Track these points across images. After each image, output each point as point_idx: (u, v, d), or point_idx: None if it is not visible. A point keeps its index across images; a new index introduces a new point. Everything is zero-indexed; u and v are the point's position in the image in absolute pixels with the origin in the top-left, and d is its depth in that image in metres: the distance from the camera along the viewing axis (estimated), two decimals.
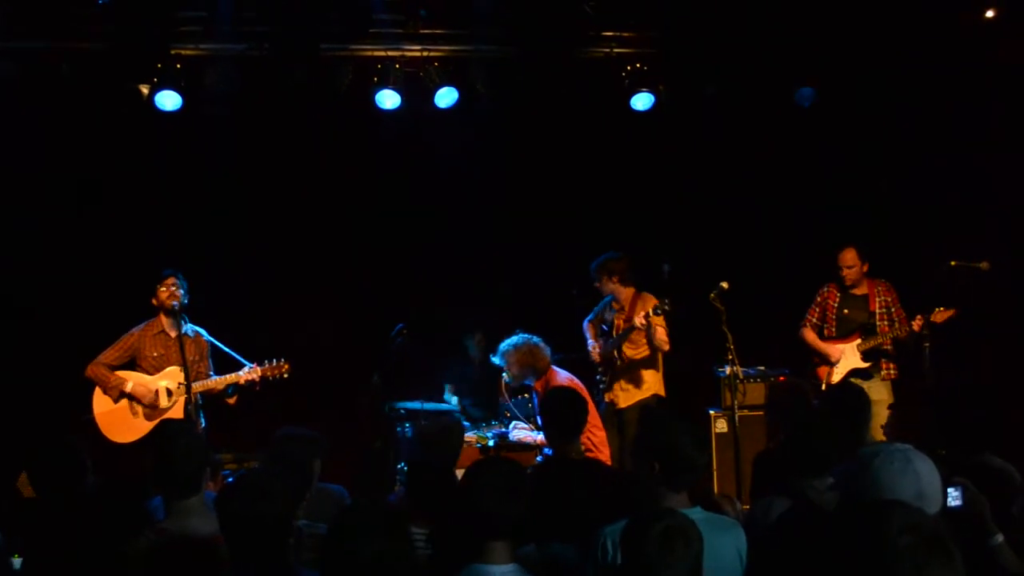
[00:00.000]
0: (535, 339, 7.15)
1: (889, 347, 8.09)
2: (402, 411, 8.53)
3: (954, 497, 3.58)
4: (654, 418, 4.10)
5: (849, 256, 8.10)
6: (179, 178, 8.59)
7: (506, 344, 7.14)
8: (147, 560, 3.89)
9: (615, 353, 7.94)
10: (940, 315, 7.72)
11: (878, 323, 8.08)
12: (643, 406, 7.78)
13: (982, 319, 7.90)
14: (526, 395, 7.98)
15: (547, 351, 7.11)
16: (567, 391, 5.65)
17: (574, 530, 3.94)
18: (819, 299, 8.33)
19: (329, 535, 3.19)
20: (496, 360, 7.25)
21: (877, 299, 8.13)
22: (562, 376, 7.12)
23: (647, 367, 8.00)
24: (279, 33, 8.00)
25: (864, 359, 8.08)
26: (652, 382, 8.02)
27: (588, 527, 3.83)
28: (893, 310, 8.12)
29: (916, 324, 7.75)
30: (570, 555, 3.96)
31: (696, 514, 3.75)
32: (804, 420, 4.59)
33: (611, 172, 9.32)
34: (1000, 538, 3.62)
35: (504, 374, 7.25)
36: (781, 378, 8.75)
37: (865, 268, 8.13)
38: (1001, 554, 3.60)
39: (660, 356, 7.98)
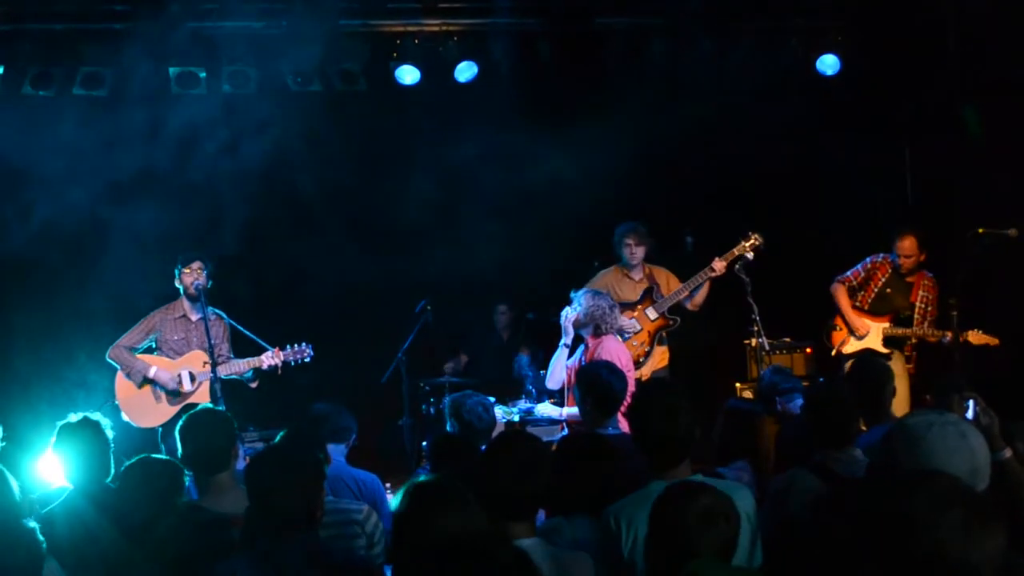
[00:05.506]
0: (614, 303, 6.98)
1: (914, 340, 8.02)
2: (427, 388, 8.54)
3: (967, 410, 3.64)
4: (634, 397, 4.10)
5: (908, 244, 7.90)
6: (199, 159, 8.57)
7: (591, 289, 7.03)
8: (171, 537, 3.90)
9: (667, 312, 7.97)
10: (976, 337, 7.61)
11: (914, 315, 7.99)
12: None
13: (1010, 287, 7.80)
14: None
15: (619, 317, 7.02)
16: (609, 367, 5.57)
17: (600, 504, 3.92)
18: (869, 266, 8.14)
19: (401, 511, 3.17)
20: (574, 295, 7.04)
21: (920, 292, 8.01)
22: (615, 346, 6.81)
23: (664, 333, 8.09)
24: (297, 10, 7.97)
25: (885, 344, 8.00)
26: (667, 348, 8.12)
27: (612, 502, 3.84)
28: (930, 308, 7.99)
29: (948, 339, 7.58)
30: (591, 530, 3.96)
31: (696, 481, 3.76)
32: (827, 391, 4.55)
33: (632, 143, 9.24)
34: (1008, 452, 3.62)
35: (566, 310, 7.05)
36: (808, 349, 8.71)
37: (923, 258, 7.95)
38: (1008, 467, 3.58)
39: None
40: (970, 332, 7.62)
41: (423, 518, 3.09)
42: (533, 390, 8.11)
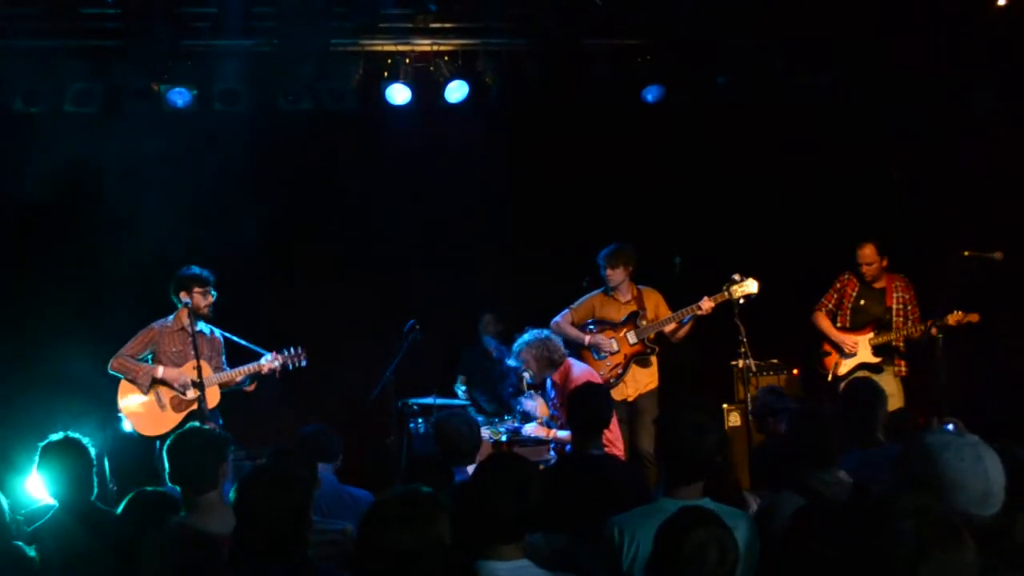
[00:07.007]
0: (545, 332, 7.15)
1: (901, 344, 8.04)
2: (415, 407, 8.54)
3: None
4: (666, 411, 4.12)
5: (868, 252, 8.01)
6: (190, 172, 8.56)
7: (518, 344, 7.10)
8: (158, 554, 3.88)
9: (647, 339, 7.99)
10: (954, 318, 7.59)
11: (894, 319, 8.03)
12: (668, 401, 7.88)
13: (995, 311, 7.83)
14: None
15: (560, 342, 7.11)
16: (596, 388, 5.65)
17: (589, 524, 3.93)
18: (838, 285, 8.26)
19: (361, 525, 3.20)
20: (512, 362, 7.21)
21: (894, 294, 8.07)
22: (580, 367, 7.10)
23: (653, 357, 8.10)
24: (288, 28, 7.99)
25: (875, 353, 8.04)
26: (656, 371, 8.12)
27: (602, 521, 3.84)
28: (909, 308, 8.06)
29: (933, 330, 7.61)
30: (572, 547, 3.99)
31: (704, 505, 3.76)
32: (809, 413, 4.57)
33: (621, 164, 9.29)
34: None
35: (525, 374, 7.21)
36: (795, 371, 8.74)
37: (884, 263, 8.03)
38: None
39: None
40: (948, 315, 7.58)
41: (378, 532, 3.12)
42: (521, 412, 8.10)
